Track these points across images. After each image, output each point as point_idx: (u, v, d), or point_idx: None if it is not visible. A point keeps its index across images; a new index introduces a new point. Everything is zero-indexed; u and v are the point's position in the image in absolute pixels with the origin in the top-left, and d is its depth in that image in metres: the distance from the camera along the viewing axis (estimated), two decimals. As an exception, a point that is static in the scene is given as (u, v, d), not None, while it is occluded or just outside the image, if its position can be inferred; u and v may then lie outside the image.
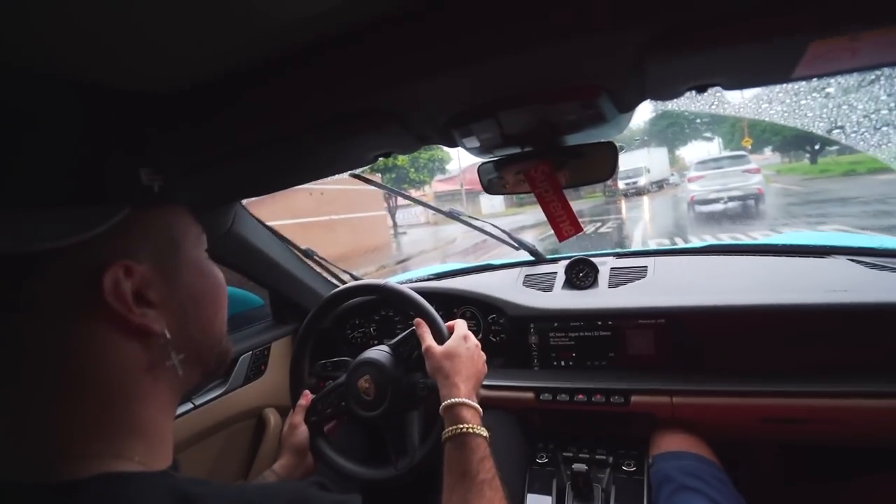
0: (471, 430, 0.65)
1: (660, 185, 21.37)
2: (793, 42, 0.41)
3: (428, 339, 0.80)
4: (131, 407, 0.36)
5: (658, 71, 0.50)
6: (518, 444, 1.04)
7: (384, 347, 0.90)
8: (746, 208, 9.27)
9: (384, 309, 1.35)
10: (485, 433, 0.67)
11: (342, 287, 0.97)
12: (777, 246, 1.24)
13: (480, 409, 0.70)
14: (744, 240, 6.08)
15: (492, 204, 27.84)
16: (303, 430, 0.87)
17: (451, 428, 0.67)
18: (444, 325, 0.83)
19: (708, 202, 9.59)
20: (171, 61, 0.45)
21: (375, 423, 0.87)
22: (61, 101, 0.35)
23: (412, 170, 17.65)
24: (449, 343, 0.78)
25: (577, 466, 0.91)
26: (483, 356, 0.81)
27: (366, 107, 0.56)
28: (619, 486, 0.92)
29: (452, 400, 0.69)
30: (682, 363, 1.03)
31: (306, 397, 0.91)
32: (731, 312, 0.99)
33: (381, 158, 0.75)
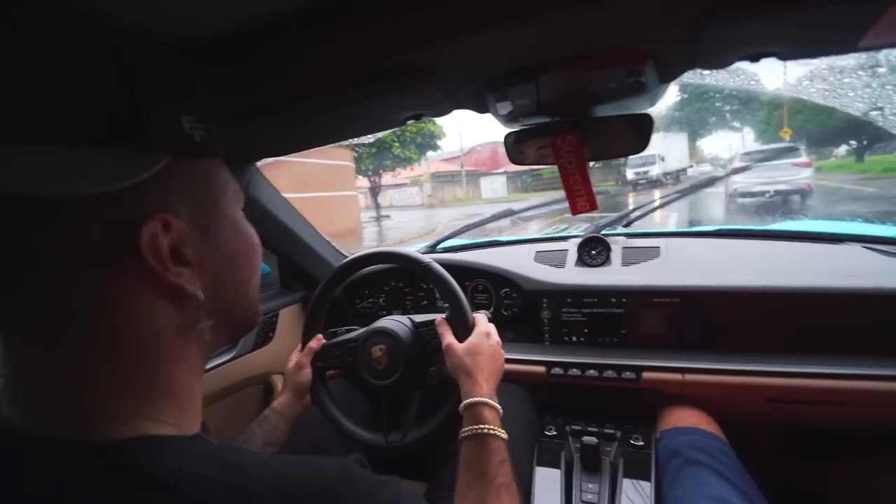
0: (491, 432, 0.64)
1: (676, 176, 18.98)
2: (872, 4, 0.39)
3: (448, 337, 0.78)
4: (163, 368, 0.35)
5: (715, 35, 0.48)
6: (528, 417, 1.05)
7: (404, 320, 0.90)
8: (792, 203, 8.60)
9: (394, 280, 1.34)
10: (504, 436, 0.66)
11: (371, 251, 0.95)
12: (790, 231, 1.24)
13: (501, 410, 0.69)
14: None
15: (493, 188, 26.63)
16: (307, 372, 0.89)
17: (471, 427, 0.65)
18: (471, 315, 0.82)
19: (752, 195, 8.92)
20: (208, 5, 0.43)
21: (378, 392, 0.88)
22: (100, 42, 0.32)
23: (396, 144, 15.37)
24: (471, 339, 0.77)
25: (587, 439, 0.92)
26: (503, 354, 0.80)
27: (405, 61, 0.54)
28: (627, 460, 0.93)
29: (475, 399, 0.68)
30: (692, 342, 1.03)
31: (318, 340, 0.93)
32: (746, 294, 0.99)
33: (410, 121, 0.73)
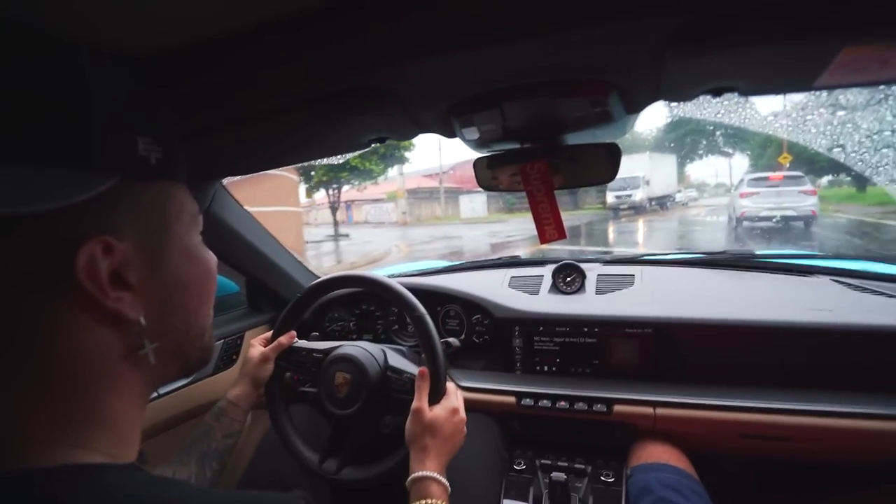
0: None
1: (662, 202, 17.36)
2: (825, 46, 0.39)
3: (421, 399, 0.76)
4: (100, 396, 0.33)
5: (676, 69, 0.48)
6: (496, 450, 1.01)
7: (377, 354, 0.88)
8: (797, 230, 8.81)
9: (366, 303, 1.31)
10: None
11: (344, 273, 0.94)
12: (762, 262, 1.25)
13: (448, 486, 0.69)
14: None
15: (472, 207, 25.26)
16: (269, 367, 0.89)
17: (419, 502, 0.66)
18: (444, 381, 0.80)
19: (759, 219, 9.24)
20: (163, 20, 0.41)
21: (330, 416, 0.86)
22: (54, 59, 0.31)
23: (357, 157, 14.18)
24: (438, 413, 0.75)
25: (555, 475, 0.89)
26: (464, 431, 0.79)
27: (365, 83, 0.52)
28: (597, 497, 0.90)
29: (423, 473, 0.68)
30: (665, 374, 1.02)
31: (290, 337, 0.92)
32: (718, 326, 0.98)
33: (374, 144, 0.71)
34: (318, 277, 1.11)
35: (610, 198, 16.02)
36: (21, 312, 0.30)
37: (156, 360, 0.36)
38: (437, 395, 0.77)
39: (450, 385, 0.81)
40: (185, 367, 0.41)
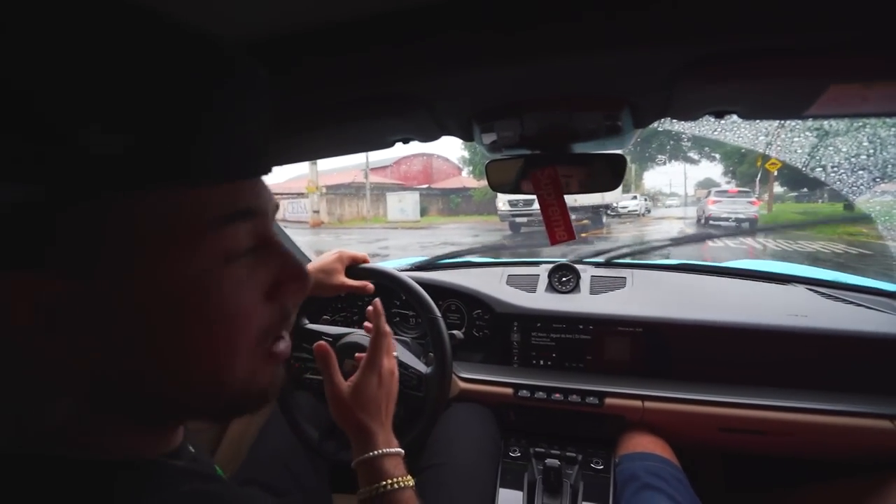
0: (396, 485, 0.56)
1: (596, 213, 13.11)
2: (816, 82, 0.45)
3: (332, 376, 0.64)
4: None
5: (686, 94, 0.54)
6: (492, 438, 1.07)
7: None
8: (744, 230, 11.55)
9: (370, 295, 1.34)
10: (411, 482, 0.57)
11: (370, 266, 0.95)
12: (745, 270, 1.34)
13: (402, 451, 0.60)
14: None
15: (402, 208, 20.99)
16: (334, 293, 0.85)
17: (368, 488, 0.56)
18: (450, 380, 0.81)
19: (720, 219, 12.74)
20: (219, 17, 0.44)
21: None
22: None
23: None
24: (358, 382, 0.63)
25: (549, 462, 0.95)
26: (396, 375, 0.67)
27: (401, 90, 0.57)
28: (587, 483, 0.96)
29: (369, 454, 0.58)
30: (653, 370, 1.09)
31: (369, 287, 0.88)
32: (703, 327, 1.06)
33: (398, 143, 0.75)
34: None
35: (502, 204, 11.21)
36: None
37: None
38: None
39: (367, 340, 0.75)
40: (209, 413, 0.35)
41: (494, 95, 0.60)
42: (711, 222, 12.88)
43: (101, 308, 0.26)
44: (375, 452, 0.58)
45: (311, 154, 0.83)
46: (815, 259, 7.76)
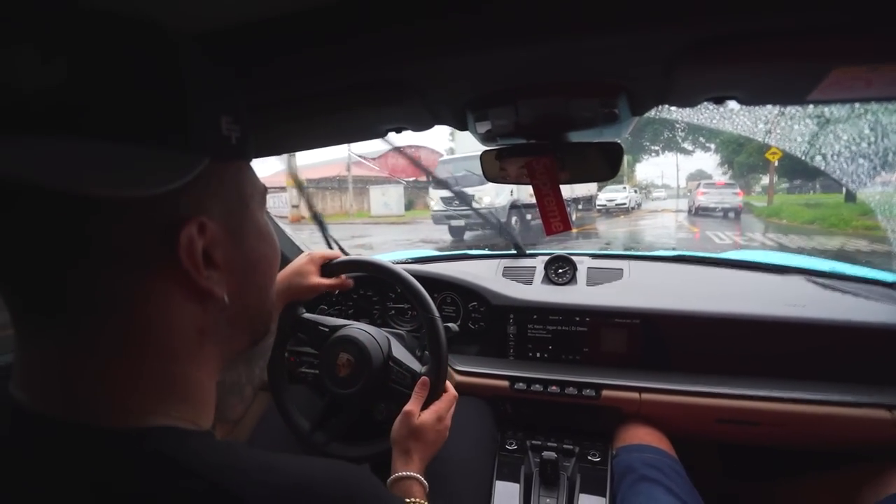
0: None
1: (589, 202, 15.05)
2: (818, 66, 0.43)
3: (415, 403, 0.78)
4: (185, 369, 0.35)
5: (684, 78, 0.52)
6: (489, 431, 1.06)
7: (382, 340, 0.91)
8: (730, 218, 13.70)
9: (364, 288, 1.34)
10: None
11: (369, 260, 0.93)
12: (741, 261, 1.33)
13: (427, 486, 0.72)
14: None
15: (385, 202, 20.42)
16: (310, 295, 0.85)
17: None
18: (444, 380, 0.82)
19: (707, 209, 14.39)
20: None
21: (327, 392, 0.90)
22: (153, 39, 0.31)
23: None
24: (426, 419, 0.76)
25: (546, 454, 0.94)
26: (446, 437, 0.80)
27: (390, 77, 0.55)
28: (584, 475, 0.96)
29: (404, 473, 0.71)
30: (650, 362, 1.08)
31: (348, 284, 0.89)
32: (701, 318, 1.05)
33: (391, 133, 0.74)
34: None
35: (434, 203, 9.93)
36: (119, 289, 0.31)
37: (229, 335, 0.38)
38: (435, 395, 0.80)
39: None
40: (254, 341, 0.43)
41: (488, 81, 0.58)
42: (700, 211, 14.64)
43: (232, 246, 0.36)
44: (410, 474, 0.71)
45: (303, 145, 0.82)
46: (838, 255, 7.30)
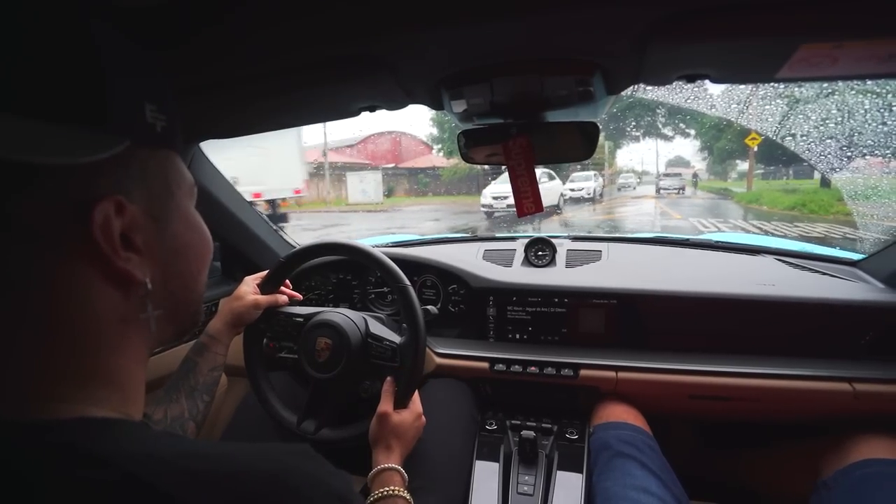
0: (397, 492, 0.71)
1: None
2: (786, 40, 0.43)
3: (386, 403, 0.82)
4: (107, 355, 0.34)
5: (656, 54, 0.52)
6: (469, 412, 1.07)
7: (358, 320, 0.91)
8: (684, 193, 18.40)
9: (343, 272, 1.32)
10: (408, 496, 0.72)
11: (331, 240, 0.94)
12: (715, 242, 1.36)
13: (406, 477, 0.75)
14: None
15: (363, 189, 19.60)
16: (256, 314, 0.89)
17: (379, 490, 0.72)
18: (424, 345, 0.84)
19: (667, 189, 18.41)
20: None
21: (310, 380, 0.90)
22: (67, 19, 0.31)
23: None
24: (404, 418, 0.81)
25: (525, 433, 0.96)
26: (421, 432, 0.85)
27: (360, 52, 0.54)
28: (561, 453, 0.98)
29: (385, 465, 0.75)
30: (627, 342, 1.10)
31: (287, 293, 0.95)
32: (675, 298, 1.07)
33: (364, 112, 0.72)
34: (294, 247, 1.12)
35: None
36: (32, 268, 0.30)
37: (155, 326, 0.37)
38: (404, 399, 0.82)
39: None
40: (180, 332, 0.42)
41: (463, 57, 0.57)
42: (662, 191, 18.83)
43: (155, 232, 0.36)
44: (390, 466, 0.75)
45: (270, 124, 0.80)
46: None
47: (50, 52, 0.30)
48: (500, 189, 11.09)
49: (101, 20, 0.32)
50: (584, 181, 14.93)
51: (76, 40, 0.31)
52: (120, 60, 0.33)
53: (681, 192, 18.02)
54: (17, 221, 0.29)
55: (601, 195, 16.13)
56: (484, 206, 11.68)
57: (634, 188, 21.22)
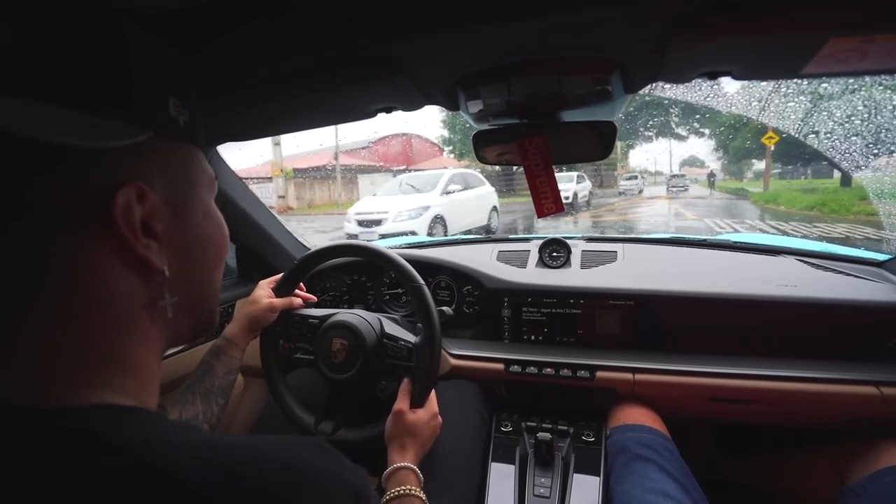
0: (412, 492, 0.71)
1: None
2: (814, 36, 0.42)
3: (402, 401, 0.82)
4: (124, 342, 0.34)
5: (677, 51, 0.51)
6: (484, 414, 1.07)
7: (373, 321, 0.91)
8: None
9: (357, 273, 1.33)
10: (423, 496, 0.72)
11: (345, 242, 0.95)
12: (733, 243, 1.33)
13: (421, 476, 0.75)
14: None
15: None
16: (272, 318, 0.91)
17: (395, 489, 0.72)
18: (440, 346, 0.84)
19: (677, 187, 20.69)
20: None
21: (327, 381, 0.90)
22: (97, 13, 0.33)
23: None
24: (420, 416, 0.81)
25: (541, 435, 0.95)
26: (438, 432, 0.84)
27: (378, 53, 0.54)
28: (578, 455, 0.97)
29: (400, 464, 0.75)
30: (644, 343, 1.09)
31: (301, 296, 0.97)
32: (694, 299, 1.05)
33: (381, 113, 0.72)
34: (309, 249, 1.13)
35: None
36: (52, 251, 0.31)
37: (172, 315, 0.38)
38: (420, 399, 0.82)
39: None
40: (196, 328, 0.42)
41: (480, 57, 0.57)
42: (672, 188, 20.91)
43: (175, 221, 0.36)
44: (405, 465, 0.74)
45: (288, 127, 0.80)
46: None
47: (80, 43, 0.31)
48: (372, 206, 7.58)
49: (129, 20, 0.34)
50: (565, 182, 11.96)
51: (106, 33, 0.32)
52: (147, 55, 0.34)
53: (686, 189, 20.67)
54: (41, 204, 0.30)
55: (588, 202, 13.46)
56: (349, 235, 7.14)
57: (639, 192, 19.70)
